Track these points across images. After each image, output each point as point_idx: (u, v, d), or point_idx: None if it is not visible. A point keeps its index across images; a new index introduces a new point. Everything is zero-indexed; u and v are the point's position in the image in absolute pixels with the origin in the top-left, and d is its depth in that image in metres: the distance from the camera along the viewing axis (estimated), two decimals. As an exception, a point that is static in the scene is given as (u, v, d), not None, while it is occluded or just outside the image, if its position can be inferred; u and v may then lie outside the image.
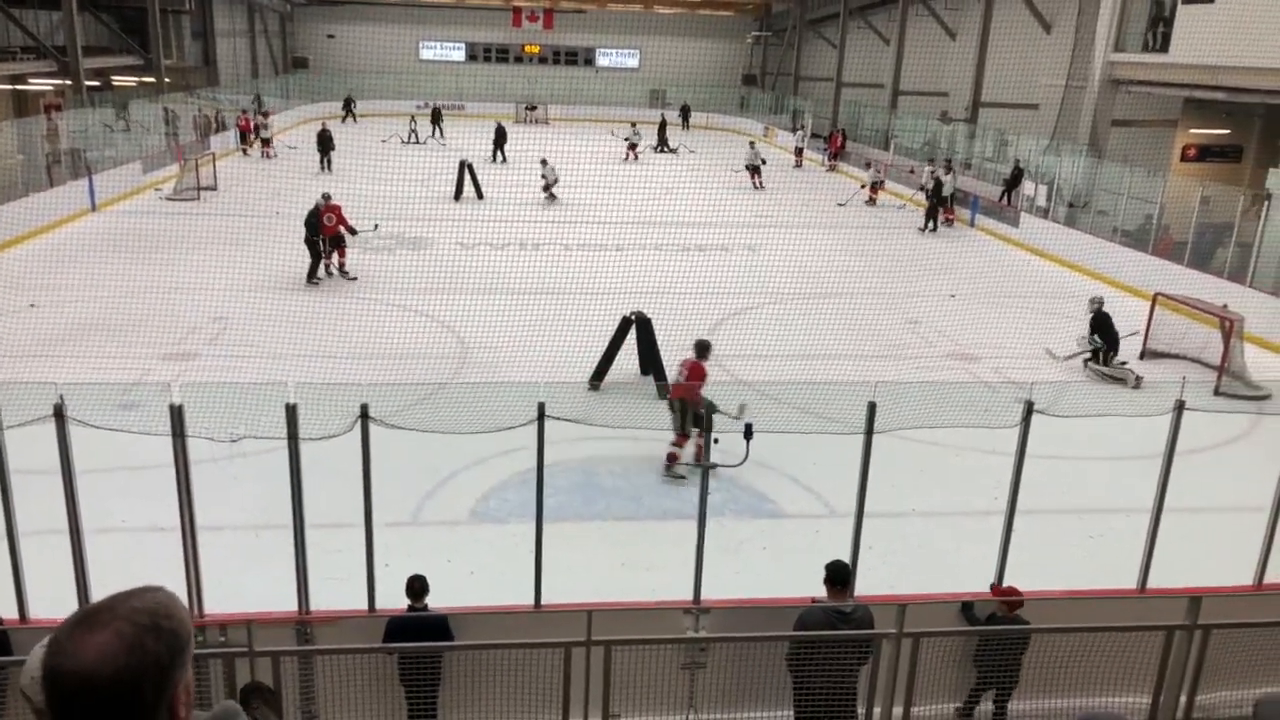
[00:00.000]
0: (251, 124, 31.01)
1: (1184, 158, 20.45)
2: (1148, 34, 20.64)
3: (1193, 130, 20.51)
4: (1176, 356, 13.45)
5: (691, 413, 9.21)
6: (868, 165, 27.37)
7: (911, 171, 26.25)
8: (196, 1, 37.00)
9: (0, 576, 5.68)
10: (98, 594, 4.85)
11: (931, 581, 7.42)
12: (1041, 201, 22.06)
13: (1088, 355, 12.88)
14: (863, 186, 26.44)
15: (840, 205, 25.32)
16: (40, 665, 1.75)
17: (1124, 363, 12.75)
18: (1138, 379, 12.42)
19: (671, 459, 9.45)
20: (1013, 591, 6.06)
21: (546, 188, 24.01)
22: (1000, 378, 12.37)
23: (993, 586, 6.35)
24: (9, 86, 26.97)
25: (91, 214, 20.93)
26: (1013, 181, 23.40)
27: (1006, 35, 26.97)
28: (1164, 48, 19.71)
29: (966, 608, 6.15)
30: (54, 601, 5.30)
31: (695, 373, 9.50)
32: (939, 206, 23.01)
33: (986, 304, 16.14)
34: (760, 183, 27.39)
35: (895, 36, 33.83)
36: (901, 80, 33.50)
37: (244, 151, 30.73)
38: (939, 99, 31.42)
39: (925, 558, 8.19)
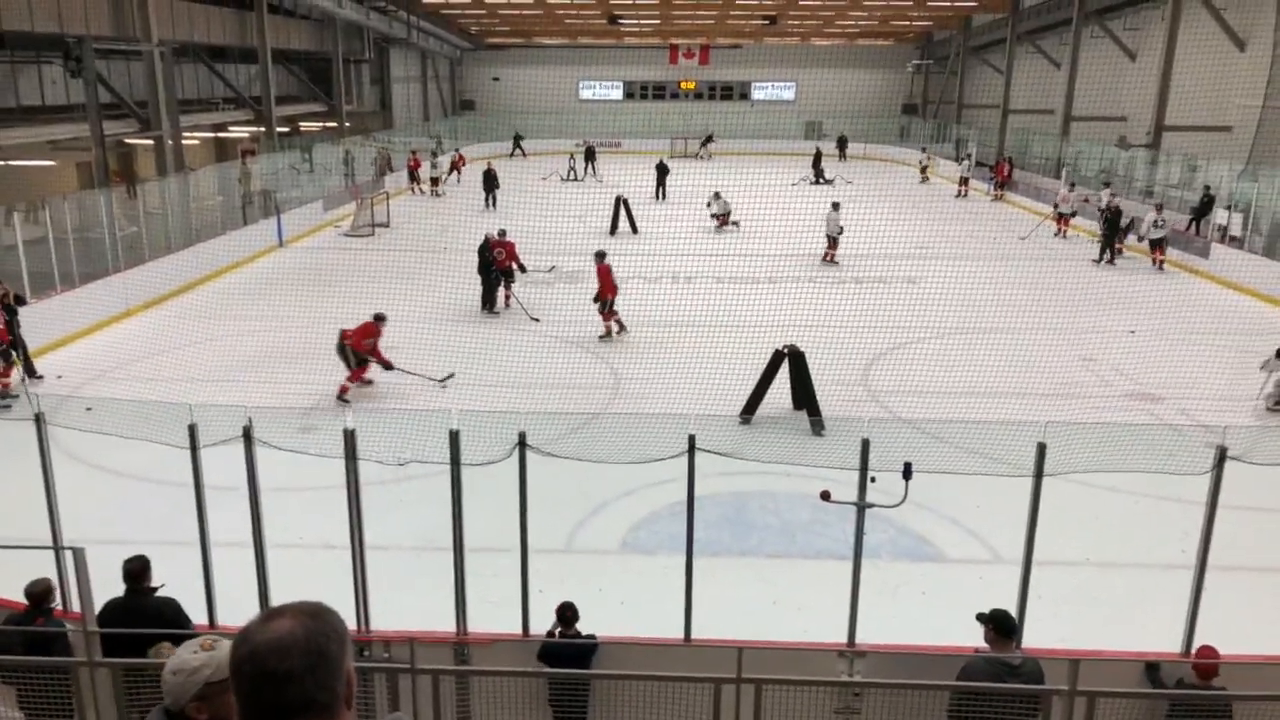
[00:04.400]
0: (421, 164, 32.78)
1: (1404, 181, 18.50)
2: (1359, 47, 18.88)
3: None
4: (1398, 400, 12.08)
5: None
6: (1071, 188, 25.54)
7: (1086, 200, 24.89)
8: (375, 51, 39.65)
9: (193, 584, 6.12)
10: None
11: (1109, 638, 6.89)
12: (1235, 231, 20.42)
13: None
14: (1056, 216, 25.13)
15: (1022, 239, 24.33)
16: (177, 661, 2.00)
17: None
18: None
19: None
20: (1209, 654, 5.52)
21: (722, 218, 25.16)
22: (1188, 420, 11.44)
23: (1202, 649, 5.74)
24: (211, 134, 29.65)
25: (279, 250, 22.61)
26: (1202, 210, 21.79)
27: (1194, 54, 25.23)
28: (1378, 61, 17.96)
29: (1151, 669, 5.67)
30: (240, 610, 5.66)
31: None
32: (1114, 236, 21.69)
33: (1172, 341, 15.02)
34: (833, 256, 21.34)
35: (1068, 60, 32.30)
36: (1075, 105, 31.91)
37: (412, 190, 32.48)
38: (1116, 124, 29.72)
39: (1102, 612, 7.62)
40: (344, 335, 12.32)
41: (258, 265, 21.05)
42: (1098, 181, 27.10)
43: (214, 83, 29.13)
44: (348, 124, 35.12)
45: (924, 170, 37.00)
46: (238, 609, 5.74)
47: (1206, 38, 24.89)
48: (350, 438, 6.01)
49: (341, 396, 12.19)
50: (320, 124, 34.99)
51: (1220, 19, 24.55)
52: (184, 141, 24.25)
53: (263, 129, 29.52)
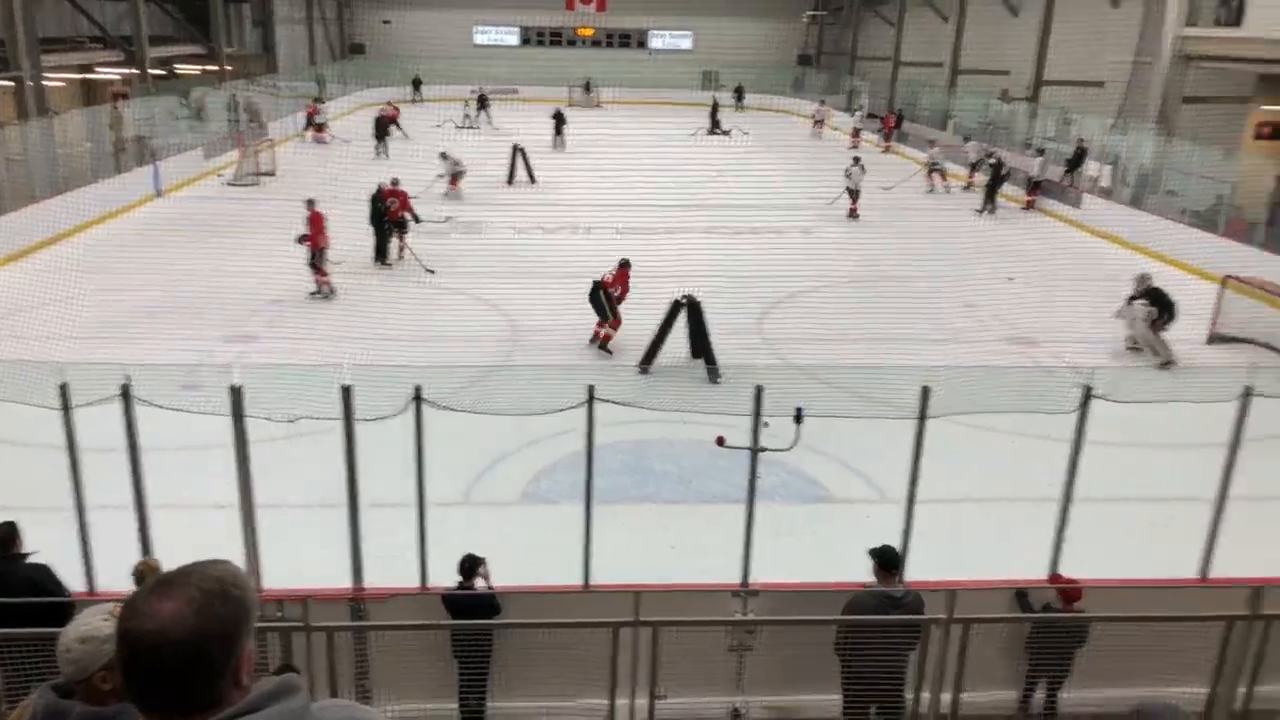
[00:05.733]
0: (319, 110, 31.45)
1: (1258, 135, 19.67)
2: (1220, 7, 19.90)
3: (1267, 107, 19.73)
4: (1246, 341, 13.03)
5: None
6: (932, 144, 26.42)
7: (972, 149, 25.71)
8: (257, -10, 37.64)
9: (69, 550, 5.88)
10: (163, 568, 4.98)
11: (984, 568, 7.29)
12: (1105, 182, 21.46)
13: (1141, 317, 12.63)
14: (927, 170, 25.64)
15: (886, 190, 24.71)
16: (85, 628, 1.82)
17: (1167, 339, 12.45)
18: (1168, 362, 12.21)
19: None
20: (1071, 582, 5.93)
21: (453, 180, 21.91)
22: (1060, 362, 12.09)
23: (1052, 576, 6.22)
24: (78, 76, 27.75)
25: (157, 199, 21.48)
26: (1075, 161, 22.80)
27: (1072, 11, 26.20)
28: (1237, 21, 18.99)
29: (1021, 595, 6.05)
30: (121, 575, 5.48)
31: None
32: (998, 187, 22.51)
33: (1046, 287, 15.77)
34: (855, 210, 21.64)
35: (955, 14, 33.06)
36: (961, 59, 32.77)
37: (303, 137, 31.18)
38: (1000, 78, 30.67)
39: (978, 544, 8.05)
40: (605, 284, 12.04)
41: (133, 216, 19.96)
42: (981, 134, 27.98)
43: (79, 20, 27.20)
44: (229, 68, 33.32)
45: (820, 124, 36.67)
46: (120, 575, 5.55)
47: (1084, -6, 25.88)
48: (237, 395, 5.83)
49: (604, 346, 12.03)
50: (199, 67, 33.11)
51: (1096, -24, 25.51)
52: (46, 83, 22.63)
53: (135, 71, 27.79)
